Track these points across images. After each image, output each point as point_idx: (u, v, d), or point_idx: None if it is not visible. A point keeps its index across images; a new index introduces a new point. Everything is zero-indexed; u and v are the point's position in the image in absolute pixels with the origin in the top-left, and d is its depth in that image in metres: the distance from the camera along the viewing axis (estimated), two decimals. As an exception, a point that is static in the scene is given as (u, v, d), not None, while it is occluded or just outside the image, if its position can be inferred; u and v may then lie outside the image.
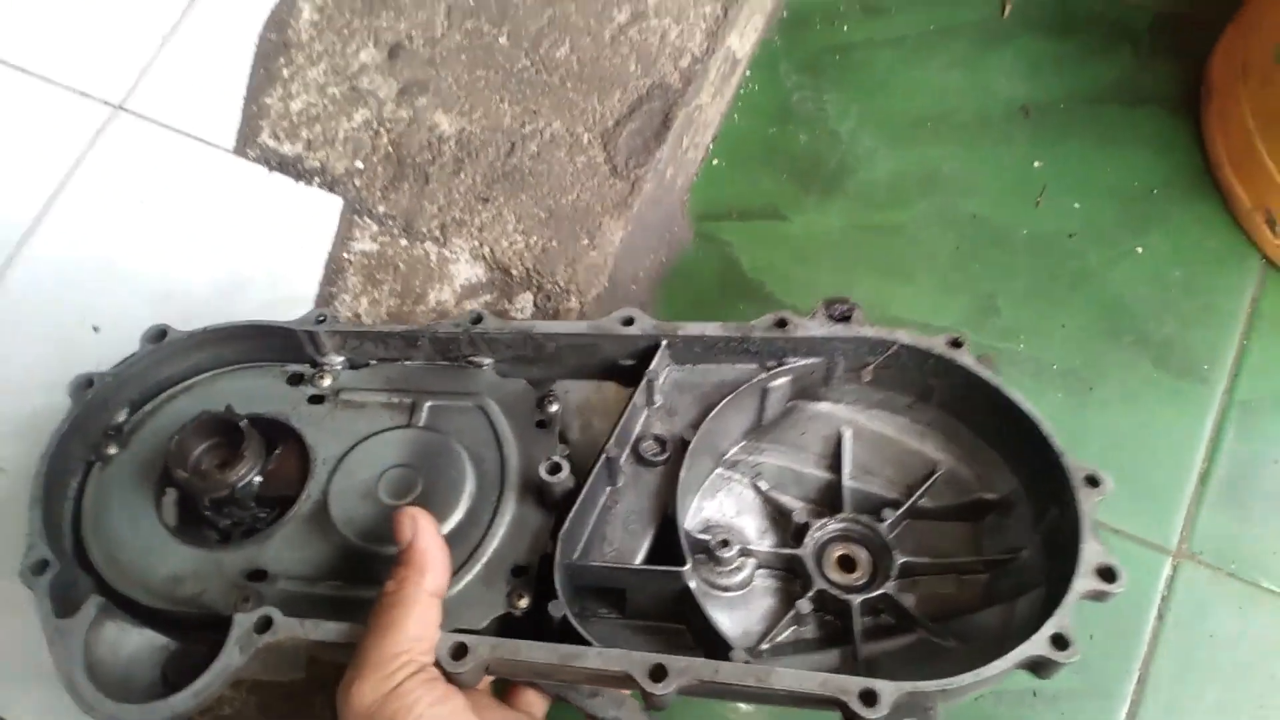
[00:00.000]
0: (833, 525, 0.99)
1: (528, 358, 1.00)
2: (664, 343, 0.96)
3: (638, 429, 0.96)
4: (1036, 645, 0.75)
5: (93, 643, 0.78)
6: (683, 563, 0.85)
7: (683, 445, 0.94)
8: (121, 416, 0.97)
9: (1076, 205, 1.32)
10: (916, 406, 1.02)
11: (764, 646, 0.93)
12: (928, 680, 0.73)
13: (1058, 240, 1.29)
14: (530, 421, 0.96)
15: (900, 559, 0.95)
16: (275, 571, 0.86)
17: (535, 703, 0.86)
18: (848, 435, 1.04)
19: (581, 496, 0.87)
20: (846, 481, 1.01)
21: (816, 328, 0.95)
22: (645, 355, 0.97)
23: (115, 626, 0.81)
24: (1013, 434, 0.92)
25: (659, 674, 0.74)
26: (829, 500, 1.03)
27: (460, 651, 0.75)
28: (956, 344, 0.94)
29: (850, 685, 0.73)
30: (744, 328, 0.96)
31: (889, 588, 0.93)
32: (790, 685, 0.73)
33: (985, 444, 0.98)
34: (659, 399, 0.98)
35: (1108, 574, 0.79)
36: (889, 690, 0.72)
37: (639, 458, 0.94)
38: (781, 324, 0.96)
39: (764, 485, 1.04)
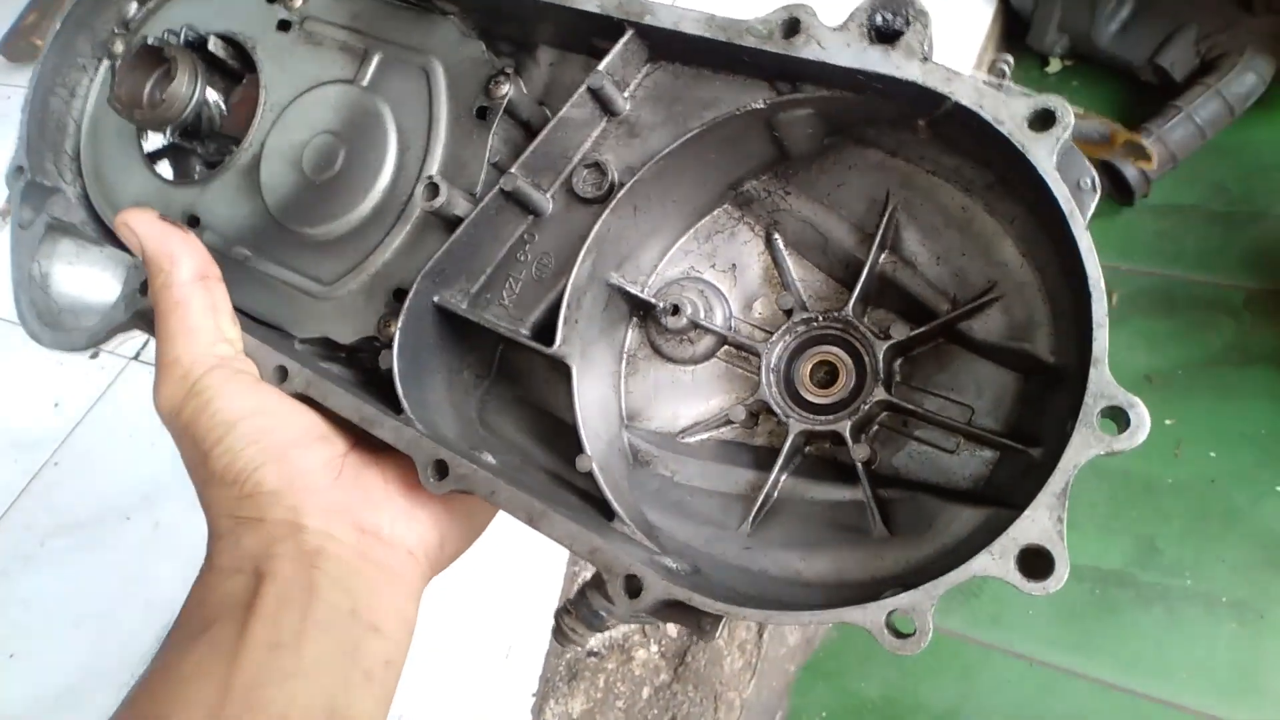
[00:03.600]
0: (825, 323, 0.74)
1: (497, 8, 0.77)
2: (628, 32, 0.68)
3: (584, 147, 0.73)
4: (871, 613, 0.54)
5: (47, 255, 0.85)
6: (552, 341, 0.69)
7: (614, 187, 0.71)
8: (131, 10, 0.92)
9: (1213, 454, 1.56)
10: (998, 190, 0.66)
11: (686, 439, 0.78)
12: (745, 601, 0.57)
13: (1202, 485, 1.54)
14: (471, 106, 0.76)
15: (881, 394, 0.70)
16: (206, 221, 0.84)
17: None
18: (895, 202, 0.72)
19: (463, 226, 0.71)
20: (878, 263, 0.73)
21: (840, 48, 0.61)
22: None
23: (73, 244, 0.87)
24: (1074, 293, 0.57)
25: (440, 470, 0.64)
26: (855, 280, 0.75)
27: (281, 375, 0.71)
28: (1045, 120, 0.55)
29: (616, 565, 0.58)
30: (734, 28, 0.64)
31: (844, 426, 0.70)
32: (558, 536, 0.61)
33: (1062, 282, 0.63)
34: (625, 108, 0.72)
35: (1040, 561, 0.52)
36: (656, 588, 0.57)
37: (569, 189, 0.73)
38: (791, 29, 0.62)
39: (779, 240, 0.78)
